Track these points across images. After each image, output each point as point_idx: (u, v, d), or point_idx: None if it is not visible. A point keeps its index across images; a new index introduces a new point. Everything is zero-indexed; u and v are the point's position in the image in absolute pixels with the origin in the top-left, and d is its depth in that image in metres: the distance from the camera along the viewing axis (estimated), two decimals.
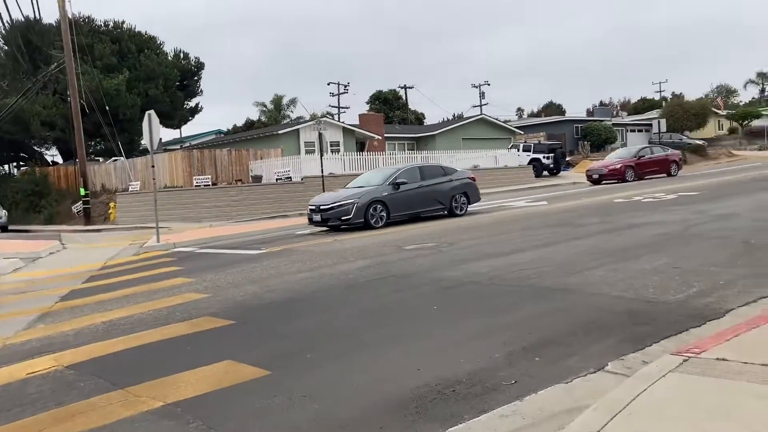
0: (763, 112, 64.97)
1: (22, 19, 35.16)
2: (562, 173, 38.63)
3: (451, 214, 16.72)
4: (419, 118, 66.08)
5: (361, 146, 37.85)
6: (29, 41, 36.07)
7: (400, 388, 4.14)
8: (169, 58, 48.13)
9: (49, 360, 5.62)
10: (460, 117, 59.79)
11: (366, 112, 48.98)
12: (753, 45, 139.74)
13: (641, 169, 27.60)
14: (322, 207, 15.47)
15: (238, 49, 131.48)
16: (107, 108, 33.14)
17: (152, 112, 15.78)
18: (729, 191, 17.31)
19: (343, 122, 42.50)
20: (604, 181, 27.53)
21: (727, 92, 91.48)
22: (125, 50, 44.84)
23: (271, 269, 10.06)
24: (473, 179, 17.79)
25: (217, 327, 6.35)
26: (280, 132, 35.03)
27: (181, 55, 49.25)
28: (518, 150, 38.32)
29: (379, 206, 15.39)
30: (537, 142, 41.50)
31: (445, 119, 64.52)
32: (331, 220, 15.31)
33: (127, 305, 8.08)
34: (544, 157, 37.92)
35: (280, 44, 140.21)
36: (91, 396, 4.51)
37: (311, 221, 15.96)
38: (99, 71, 40.21)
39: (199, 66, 50.55)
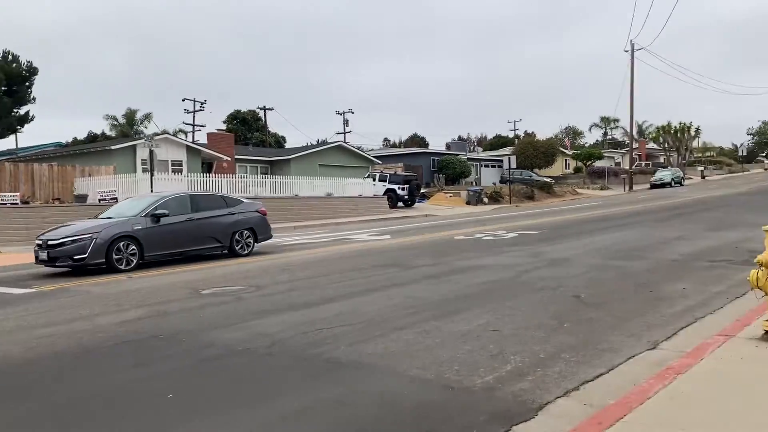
0: (605, 154, 69.85)
1: None
2: (416, 205, 38.33)
3: (233, 254, 14.03)
4: (279, 142, 64.03)
5: (208, 167, 35.26)
6: None
7: None
8: None
9: None
10: (324, 143, 58.52)
11: (216, 131, 46.02)
12: (599, 90, 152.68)
13: None
14: (50, 242, 12.12)
15: (95, 59, 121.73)
16: None
17: None
18: (568, 231, 17.11)
19: (190, 141, 39.68)
20: None
21: (574, 133, 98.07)
22: None
23: (17, 320, 7.81)
24: (263, 213, 15.24)
25: None
26: (113, 147, 31.60)
27: (10, 57, 44.01)
28: (374, 180, 37.46)
29: (128, 243, 12.30)
30: (393, 172, 41.03)
31: (309, 143, 63.08)
32: (61, 260, 11.98)
33: None
34: (399, 188, 37.33)
35: (141, 57, 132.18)
36: None
37: (38, 260, 12.50)
38: None
39: (32, 71, 45.34)
